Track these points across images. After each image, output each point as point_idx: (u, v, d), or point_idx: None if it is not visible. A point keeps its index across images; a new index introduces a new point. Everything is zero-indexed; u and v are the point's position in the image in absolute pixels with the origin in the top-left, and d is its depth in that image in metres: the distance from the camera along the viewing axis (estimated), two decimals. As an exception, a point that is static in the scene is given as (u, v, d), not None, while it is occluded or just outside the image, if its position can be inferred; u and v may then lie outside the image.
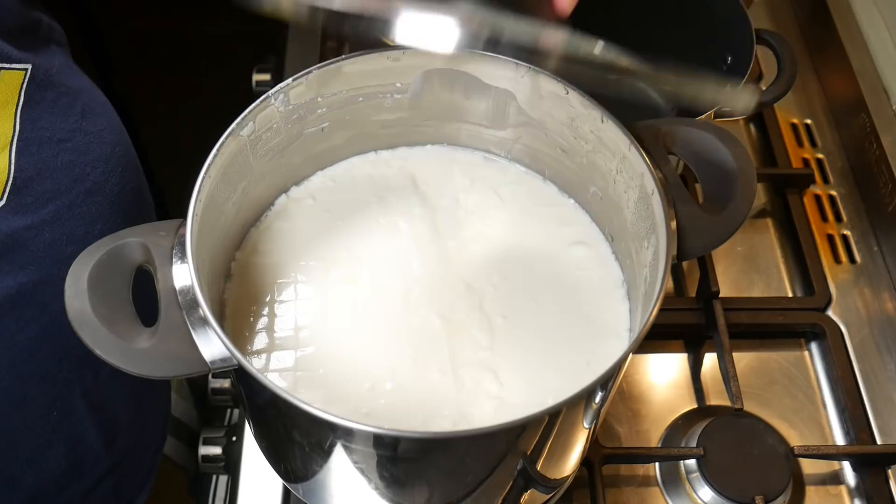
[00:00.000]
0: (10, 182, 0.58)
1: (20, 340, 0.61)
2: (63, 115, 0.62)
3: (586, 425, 0.53)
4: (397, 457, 0.48)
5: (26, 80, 0.59)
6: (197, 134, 0.75)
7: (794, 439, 0.71)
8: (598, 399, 0.51)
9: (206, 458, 0.72)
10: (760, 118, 0.89)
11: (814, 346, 0.77)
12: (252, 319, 0.58)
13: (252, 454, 0.69)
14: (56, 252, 0.61)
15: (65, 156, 0.62)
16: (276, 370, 0.56)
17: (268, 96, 0.56)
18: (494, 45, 0.56)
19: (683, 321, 0.76)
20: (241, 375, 0.48)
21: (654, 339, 0.76)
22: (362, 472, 0.51)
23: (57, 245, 0.62)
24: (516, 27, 0.55)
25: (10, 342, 0.61)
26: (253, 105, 0.56)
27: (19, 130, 0.58)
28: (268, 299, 0.59)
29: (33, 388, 0.63)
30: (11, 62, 0.57)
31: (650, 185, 0.54)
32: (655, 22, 0.79)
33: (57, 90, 0.62)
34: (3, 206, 0.58)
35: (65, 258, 0.59)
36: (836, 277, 0.80)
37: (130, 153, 0.70)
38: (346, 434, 0.47)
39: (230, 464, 0.71)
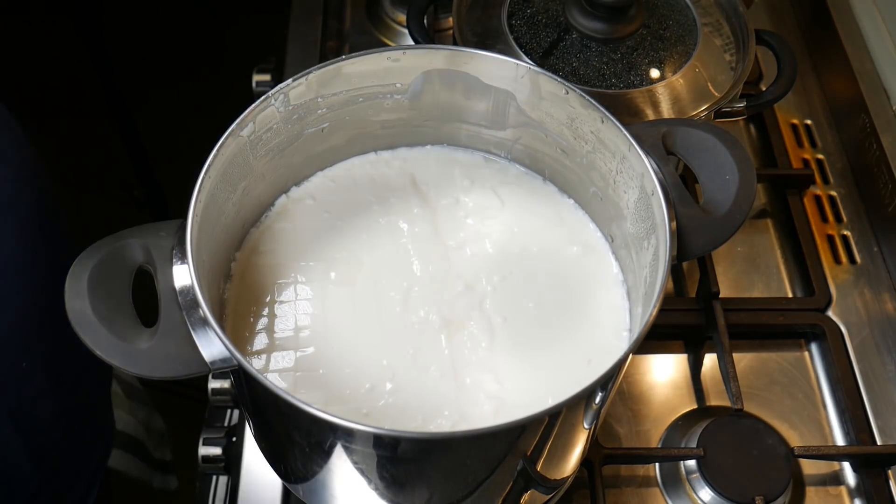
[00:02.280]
0: None
1: None
2: None
3: (586, 426, 0.53)
4: (397, 457, 0.48)
5: None
6: (197, 134, 0.75)
7: (794, 440, 0.71)
8: (598, 399, 0.51)
9: (206, 458, 0.72)
10: (760, 118, 0.89)
11: (814, 347, 0.77)
12: (252, 320, 0.58)
13: (252, 454, 0.69)
14: None
15: None
16: (276, 370, 0.56)
17: (268, 96, 0.56)
18: None
19: (683, 321, 0.76)
20: (241, 376, 0.48)
21: (654, 339, 0.76)
22: (362, 472, 0.51)
23: None
24: None
25: None
26: (253, 105, 0.56)
27: None
28: (268, 300, 0.59)
29: None
30: None
31: (650, 185, 0.53)
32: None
33: None
34: None
35: None
36: (836, 278, 0.80)
37: (39, 164, 0.69)
38: (346, 434, 0.47)
39: (230, 464, 0.71)
